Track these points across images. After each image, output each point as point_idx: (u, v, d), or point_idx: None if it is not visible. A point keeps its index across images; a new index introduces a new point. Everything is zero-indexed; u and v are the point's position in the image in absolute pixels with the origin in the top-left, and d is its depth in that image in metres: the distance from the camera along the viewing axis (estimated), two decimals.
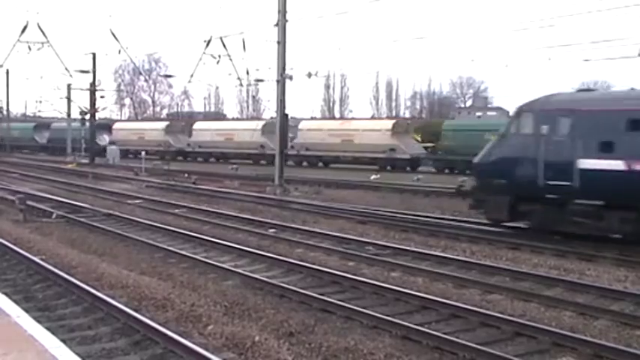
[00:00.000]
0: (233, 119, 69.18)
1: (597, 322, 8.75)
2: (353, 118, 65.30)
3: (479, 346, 7.44)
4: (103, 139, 56.36)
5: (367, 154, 42.30)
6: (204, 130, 52.93)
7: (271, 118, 63.57)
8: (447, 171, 38.09)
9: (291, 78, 28.68)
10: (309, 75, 31.71)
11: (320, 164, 44.75)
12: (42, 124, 69.33)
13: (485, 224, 16.78)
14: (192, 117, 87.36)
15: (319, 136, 45.68)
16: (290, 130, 51.72)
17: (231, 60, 33.13)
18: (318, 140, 45.24)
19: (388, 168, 41.08)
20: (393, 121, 48.61)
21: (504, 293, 10.17)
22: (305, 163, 44.65)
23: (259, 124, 49.68)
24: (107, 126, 60.76)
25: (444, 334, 7.98)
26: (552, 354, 7.54)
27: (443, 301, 9.46)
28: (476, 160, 16.88)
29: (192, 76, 36.79)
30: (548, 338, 7.88)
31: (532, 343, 7.91)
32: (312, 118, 72.59)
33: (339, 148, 43.97)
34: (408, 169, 40.55)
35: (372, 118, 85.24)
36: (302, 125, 50.03)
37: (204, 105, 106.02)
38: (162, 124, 58.83)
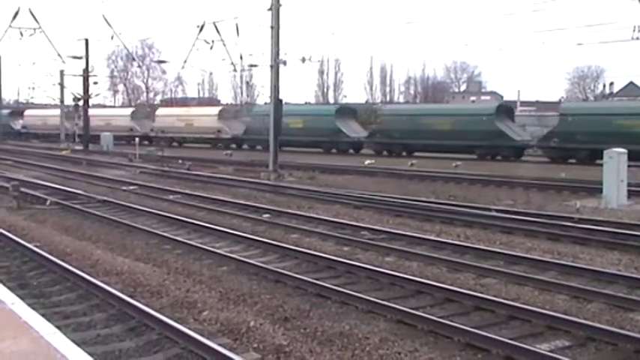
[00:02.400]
0: (193, 105, 70.51)
1: (591, 305, 8.80)
2: (196, 105, 69.32)
3: (473, 330, 7.48)
4: (17, 123, 67.00)
5: (202, 135, 50.68)
6: (167, 116, 56.04)
7: (228, 103, 63.72)
8: (384, 153, 42.82)
9: (284, 63, 28.58)
10: (303, 60, 31.64)
11: (174, 144, 51.18)
12: (17, 112, 71.83)
13: (480, 208, 16.82)
14: (185, 103, 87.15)
15: (170, 120, 53.78)
16: (150, 115, 57.69)
17: (224, 45, 32.88)
18: (169, 124, 53.28)
19: (219, 145, 48.10)
20: (220, 107, 57.89)
21: (498, 277, 10.21)
22: (162, 143, 47.01)
23: (216, 110, 54.07)
24: (20, 112, 69.09)
25: (439, 318, 8.01)
26: (546, 337, 7.58)
27: (437, 285, 9.49)
28: None
29: (185, 61, 36.51)
30: (542, 321, 7.92)
31: (526, 326, 7.95)
32: (229, 104, 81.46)
33: (184, 131, 52.04)
34: (234, 146, 48.72)
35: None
36: (158, 112, 59.12)
37: (198, 91, 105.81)
38: (129, 111, 62.54)
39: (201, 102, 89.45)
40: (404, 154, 40.72)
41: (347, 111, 48.41)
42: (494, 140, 37.47)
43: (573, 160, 33.94)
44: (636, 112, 34.20)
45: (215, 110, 53.86)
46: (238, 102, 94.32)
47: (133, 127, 55.90)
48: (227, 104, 56.09)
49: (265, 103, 68.71)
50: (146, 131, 55.13)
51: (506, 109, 42.18)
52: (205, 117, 51.88)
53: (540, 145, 38.41)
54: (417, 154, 40.21)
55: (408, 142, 41.36)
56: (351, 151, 45.07)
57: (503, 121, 39.06)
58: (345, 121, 45.40)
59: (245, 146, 48.50)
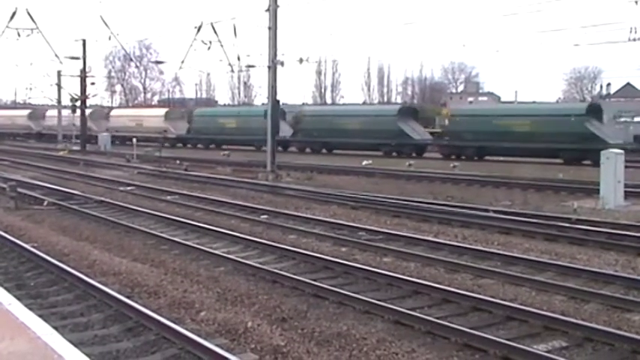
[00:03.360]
0: (142, 107, 74.39)
1: (588, 305, 8.80)
2: (148, 106, 72.76)
3: (470, 330, 7.49)
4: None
5: (151, 134, 53.28)
6: (120, 117, 61.21)
7: (170, 106, 64.39)
8: (308, 150, 45.78)
9: (282, 64, 28.54)
10: (301, 61, 31.57)
11: (128, 142, 51.17)
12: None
13: (477, 209, 16.84)
14: (183, 103, 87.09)
15: (122, 120, 58.56)
16: (105, 117, 60.70)
17: (222, 46, 32.86)
18: (122, 124, 57.91)
19: (166, 144, 49.75)
20: (166, 109, 61.06)
21: (496, 278, 10.22)
22: (117, 142, 52.89)
23: (162, 112, 58.54)
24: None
25: (436, 318, 8.01)
26: (543, 337, 7.59)
27: (435, 285, 9.50)
28: None
29: (183, 62, 36.49)
30: (539, 322, 7.92)
31: (523, 327, 7.95)
32: (225, 105, 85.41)
33: (135, 130, 54.33)
34: (180, 145, 52.91)
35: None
36: (112, 113, 64.65)
37: (196, 91, 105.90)
38: (87, 112, 65.85)
39: (198, 102, 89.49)
40: (475, 158, 38.09)
41: (409, 111, 46.45)
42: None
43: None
44: (514, 114, 39.17)
45: (162, 112, 58.66)
46: (236, 102, 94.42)
47: (91, 127, 56.00)
48: (173, 107, 62.93)
49: (225, 105, 74.14)
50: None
51: None
52: (153, 118, 56.74)
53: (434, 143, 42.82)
54: (488, 157, 37.61)
55: (482, 144, 37.94)
56: (179, 145, 47.70)
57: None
58: (407, 122, 43.31)
59: (189, 145, 53.57)
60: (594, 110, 37.28)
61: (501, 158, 36.57)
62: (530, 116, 38.00)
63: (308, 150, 46.16)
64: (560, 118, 36.02)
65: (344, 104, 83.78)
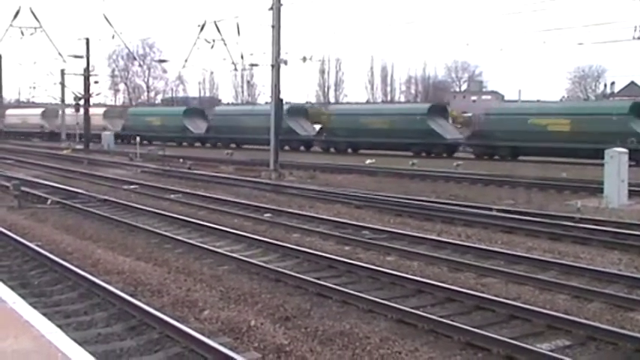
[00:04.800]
0: (26, 106, 77.40)
1: (591, 304, 8.79)
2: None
3: (474, 329, 7.48)
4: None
5: (93, 131, 53.14)
6: (70, 116, 62.56)
7: (229, 103, 64.47)
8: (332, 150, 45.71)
9: (285, 62, 28.60)
10: (304, 59, 31.64)
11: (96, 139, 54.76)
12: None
13: (480, 208, 16.82)
14: (186, 102, 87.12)
15: (71, 119, 60.26)
16: (56, 115, 64.22)
17: (225, 44, 32.82)
18: (18, 121, 67.30)
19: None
20: (105, 108, 65.67)
21: (499, 276, 10.21)
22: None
23: (101, 110, 63.40)
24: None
25: (439, 317, 8.01)
26: (547, 336, 7.58)
27: (438, 284, 9.49)
28: None
29: (186, 61, 36.43)
30: (542, 321, 7.92)
31: (526, 325, 7.95)
32: (230, 104, 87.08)
33: (80, 127, 56.48)
34: (119, 141, 53.84)
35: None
36: (7, 112, 72.35)
37: (199, 90, 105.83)
38: (39, 110, 70.36)
39: (202, 101, 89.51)
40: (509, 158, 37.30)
41: (439, 109, 45.56)
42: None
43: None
44: (552, 112, 37.61)
45: (101, 110, 63.27)
46: (239, 101, 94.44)
47: (43, 124, 64.11)
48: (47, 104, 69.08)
49: (194, 102, 74.02)
50: (53, 129, 62.50)
51: None
52: (94, 116, 57.94)
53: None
54: (521, 157, 36.44)
55: (516, 144, 37.00)
56: (119, 140, 49.13)
57: None
58: (437, 121, 42.57)
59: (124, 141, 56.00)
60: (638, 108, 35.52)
61: (537, 159, 34.88)
62: (571, 115, 36.83)
63: (332, 150, 44.84)
64: (602, 117, 34.86)
65: (370, 103, 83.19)
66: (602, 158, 36.96)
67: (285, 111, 38.99)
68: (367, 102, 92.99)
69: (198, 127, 54.20)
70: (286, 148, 42.08)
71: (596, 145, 31.98)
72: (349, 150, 44.30)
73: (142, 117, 58.78)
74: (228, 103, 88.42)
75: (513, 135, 36.56)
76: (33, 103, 77.12)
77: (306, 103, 74.54)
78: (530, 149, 36.48)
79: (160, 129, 54.22)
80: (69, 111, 64.69)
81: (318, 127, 49.66)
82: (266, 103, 54.56)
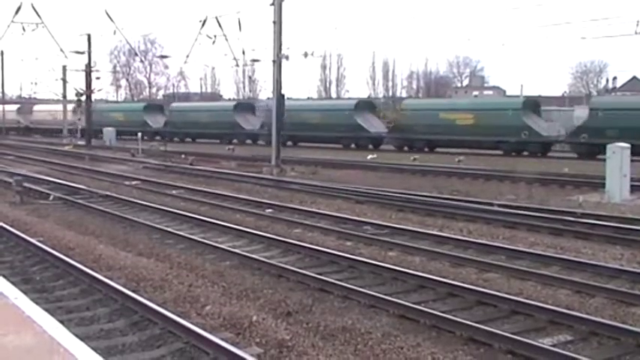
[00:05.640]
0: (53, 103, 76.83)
1: (593, 299, 8.79)
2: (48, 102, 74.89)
3: (475, 324, 7.48)
4: None
5: (62, 126, 59.97)
6: (40, 112, 69.03)
7: (231, 98, 65.01)
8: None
9: (287, 58, 28.55)
10: (306, 55, 31.57)
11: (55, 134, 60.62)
12: None
13: (482, 203, 16.81)
14: (188, 98, 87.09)
15: (42, 115, 66.63)
16: (29, 111, 68.88)
17: (227, 40, 32.91)
18: (42, 118, 66.64)
19: (76, 135, 55.46)
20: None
21: (501, 272, 10.20)
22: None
23: (15, 107, 69.35)
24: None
25: (441, 312, 8.01)
26: (549, 331, 7.58)
27: (440, 279, 9.49)
28: None
29: (188, 56, 36.65)
30: (544, 316, 7.91)
31: (528, 321, 7.95)
32: (231, 99, 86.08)
33: (51, 123, 62.98)
34: (79, 135, 54.68)
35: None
36: (34, 108, 70.84)
37: (201, 86, 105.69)
38: (15, 107, 73.32)
39: (203, 97, 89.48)
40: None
41: (366, 105, 46.87)
42: None
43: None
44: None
45: (15, 107, 68.57)
46: (241, 97, 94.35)
47: (18, 120, 66.85)
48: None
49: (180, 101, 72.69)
50: (27, 124, 66.87)
51: None
52: (10, 112, 67.00)
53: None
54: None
55: (429, 137, 38.92)
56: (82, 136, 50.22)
57: None
58: (362, 116, 43.78)
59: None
60: None
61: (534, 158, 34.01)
62: (474, 110, 39.57)
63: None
64: (499, 112, 37.53)
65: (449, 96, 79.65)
66: (502, 149, 37.53)
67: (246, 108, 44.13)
68: (369, 96, 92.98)
69: (156, 121, 57.12)
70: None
71: (496, 138, 37.17)
72: (289, 142, 44.42)
73: (107, 112, 60.39)
74: (229, 99, 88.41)
75: (427, 128, 39.72)
76: (10, 99, 77.95)
77: (307, 98, 74.53)
78: (442, 142, 39.56)
79: (123, 123, 56.09)
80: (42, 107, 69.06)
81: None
82: (268, 98, 54.70)
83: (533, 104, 40.56)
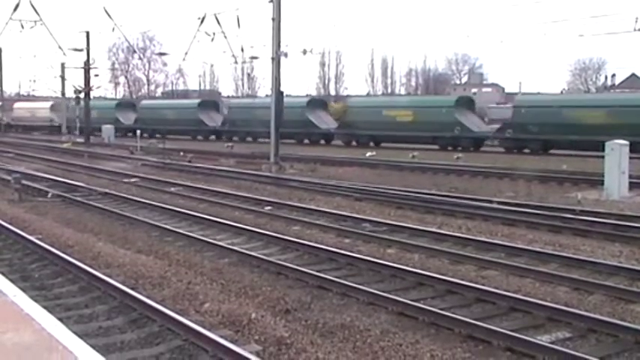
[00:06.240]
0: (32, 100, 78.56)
1: (592, 296, 8.80)
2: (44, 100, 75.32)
3: (474, 322, 7.49)
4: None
5: (41, 123, 64.56)
6: (20, 109, 71.23)
7: (228, 96, 65.06)
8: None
9: (286, 55, 28.54)
10: (305, 52, 31.61)
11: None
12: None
13: (481, 200, 16.82)
14: (186, 95, 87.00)
15: (22, 112, 69.48)
16: (10, 108, 71.04)
17: (225, 37, 32.76)
18: (22, 115, 69.29)
19: (54, 131, 58.58)
20: (51, 102, 66.64)
21: (500, 269, 10.21)
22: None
23: (49, 104, 66.87)
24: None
25: (440, 309, 8.02)
26: (547, 329, 7.59)
27: (439, 277, 9.50)
28: None
29: (186, 53, 36.51)
30: (543, 313, 7.92)
31: (527, 318, 7.96)
32: (229, 97, 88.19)
33: (31, 119, 67.06)
34: (65, 130, 57.05)
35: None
36: (15, 105, 72.19)
37: (199, 83, 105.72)
38: None
39: (202, 94, 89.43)
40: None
41: (317, 103, 49.41)
42: None
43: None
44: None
45: (48, 104, 67.28)
46: (239, 94, 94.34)
47: (53, 118, 63.73)
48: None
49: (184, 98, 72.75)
50: (9, 120, 67.10)
51: None
52: (42, 109, 67.49)
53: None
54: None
55: (373, 133, 41.74)
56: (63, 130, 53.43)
57: None
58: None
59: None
60: None
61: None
62: (413, 107, 41.41)
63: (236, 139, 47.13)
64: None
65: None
66: (437, 145, 39.47)
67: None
68: (367, 94, 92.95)
69: (128, 118, 59.74)
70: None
71: (432, 134, 39.13)
72: (248, 138, 47.31)
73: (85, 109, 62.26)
74: (228, 96, 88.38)
75: (371, 125, 41.65)
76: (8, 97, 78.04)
77: (306, 95, 74.53)
78: (385, 137, 41.60)
79: (97, 120, 56.17)
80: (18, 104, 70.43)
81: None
82: (266, 95, 54.79)
83: (467, 101, 43.30)
